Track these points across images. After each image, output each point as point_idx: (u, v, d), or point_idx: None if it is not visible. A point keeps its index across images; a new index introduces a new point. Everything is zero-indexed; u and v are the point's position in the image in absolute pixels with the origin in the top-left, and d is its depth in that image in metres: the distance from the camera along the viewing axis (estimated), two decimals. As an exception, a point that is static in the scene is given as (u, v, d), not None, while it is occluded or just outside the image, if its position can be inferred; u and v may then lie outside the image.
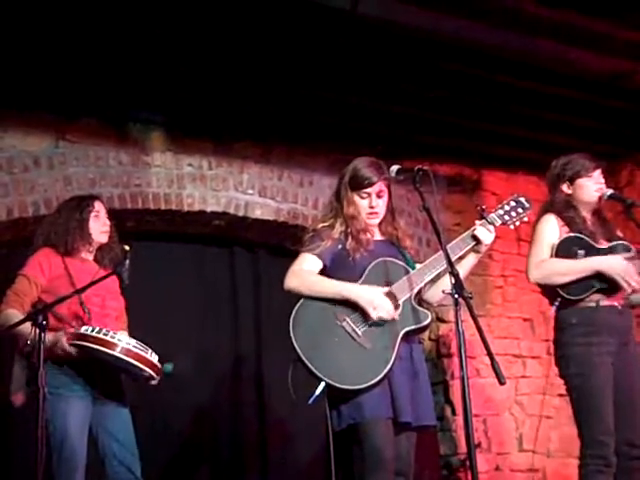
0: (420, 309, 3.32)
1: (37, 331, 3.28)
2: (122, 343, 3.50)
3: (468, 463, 2.89)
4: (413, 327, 3.28)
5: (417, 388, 3.29)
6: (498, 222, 3.43)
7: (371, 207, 3.41)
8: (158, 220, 5.25)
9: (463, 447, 5.46)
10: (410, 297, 3.30)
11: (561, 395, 3.90)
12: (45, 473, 3.24)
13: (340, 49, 4.51)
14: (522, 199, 3.51)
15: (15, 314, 3.57)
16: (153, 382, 3.68)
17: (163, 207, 5.20)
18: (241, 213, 5.42)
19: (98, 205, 3.94)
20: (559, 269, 3.80)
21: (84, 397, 3.64)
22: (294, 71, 4.73)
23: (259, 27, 4.27)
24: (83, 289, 3.56)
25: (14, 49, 4.25)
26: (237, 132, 5.36)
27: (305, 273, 3.34)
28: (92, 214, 3.87)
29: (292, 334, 3.20)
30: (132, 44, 4.34)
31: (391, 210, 3.50)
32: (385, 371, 3.17)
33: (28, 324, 3.43)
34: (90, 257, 3.87)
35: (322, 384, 3.13)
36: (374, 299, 3.22)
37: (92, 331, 3.50)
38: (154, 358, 3.60)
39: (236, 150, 5.43)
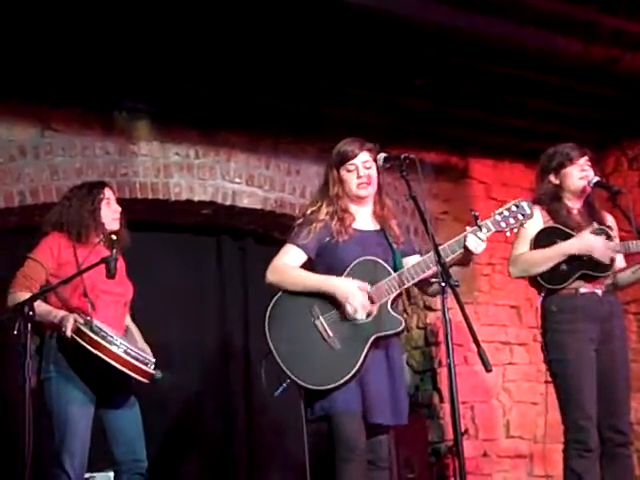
0: (395, 315, 3.27)
1: (24, 322, 3.27)
2: (119, 351, 3.49)
3: (455, 449, 2.90)
4: (384, 333, 3.26)
5: (393, 389, 3.29)
6: (492, 230, 3.23)
7: (359, 177, 3.37)
8: (145, 209, 5.23)
9: (451, 434, 5.48)
10: (387, 302, 3.26)
11: (547, 382, 3.90)
12: (47, 456, 3.27)
13: (327, 37, 4.50)
14: (524, 204, 3.26)
15: (24, 296, 3.52)
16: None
17: (150, 196, 5.20)
18: (228, 202, 5.41)
19: (108, 192, 3.91)
20: (533, 260, 3.83)
21: (89, 381, 3.62)
22: (281, 59, 4.71)
23: (245, 16, 4.26)
24: (72, 277, 3.55)
25: (-1, 38, 4.22)
26: (224, 121, 5.34)
27: (285, 267, 3.34)
28: (103, 202, 3.86)
29: (266, 327, 3.24)
30: (118, 32, 4.32)
31: (379, 190, 3.45)
32: (350, 375, 3.18)
33: (41, 303, 3.51)
34: (100, 244, 3.83)
35: (287, 379, 3.18)
36: (350, 292, 3.21)
37: (94, 333, 3.49)
38: (150, 366, 3.62)
39: (223, 139, 5.42)
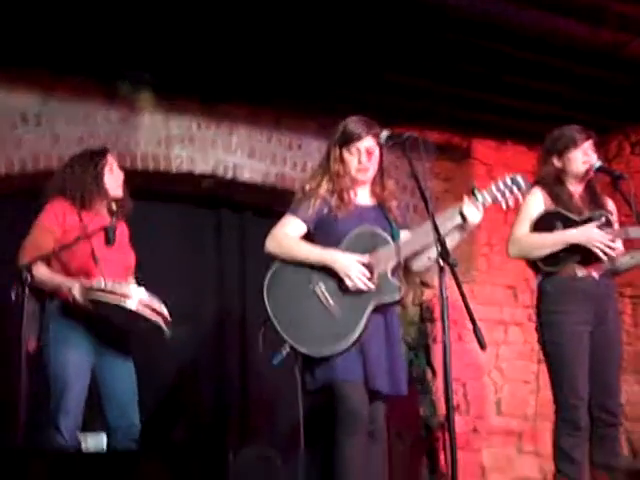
0: (394, 283, 3.30)
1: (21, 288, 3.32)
2: (135, 296, 3.50)
3: (446, 424, 2.94)
4: (384, 301, 3.28)
5: (392, 357, 3.31)
6: (489, 201, 3.31)
7: (360, 162, 3.38)
8: (146, 180, 5.21)
9: (442, 409, 5.55)
10: (387, 270, 3.29)
11: (540, 361, 3.95)
12: (44, 419, 3.32)
13: (329, 10, 4.46)
14: (519, 178, 3.34)
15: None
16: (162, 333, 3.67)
17: (151, 167, 5.20)
18: (229, 175, 5.42)
19: (111, 158, 3.91)
20: (533, 244, 3.86)
21: (86, 345, 3.65)
22: (284, 32, 4.67)
23: None
24: (73, 243, 3.58)
25: (1, 4, 4.19)
26: (226, 93, 5.32)
27: (286, 237, 3.35)
28: (106, 168, 3.85)
29: (265, 294, 3.26)
30: (123, 1, 4.28)
31: (381, 171, 3.46)
32: (349, 342, 3.20)
33: (45, 270, 3.58)
34: (104, 210, 3.84)
35: (287, 346, 3.19)
36: (350, 266, 3.23)
37: (106, 285, 3.49)
38: (164, 309, 3.61)
39: (225, 111, 5.40)
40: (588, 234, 3.77)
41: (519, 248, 3.91)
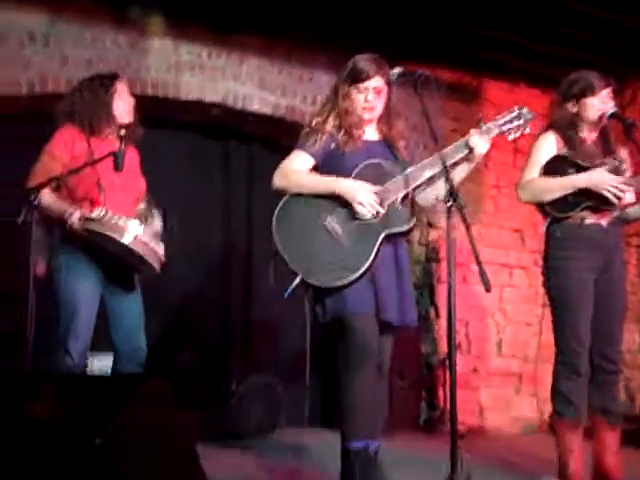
0: (405, 213, 3.32)
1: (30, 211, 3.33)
2: (132, 231, 3.53)
3: (447, 363, 2.97)
4: (394, 230, 3.29)
5: (401, 288, 3.32)
6: (495, 131, 3.34)
7: (367, 101, 3.37)
8: (155, 107, 5.12)
9: (444, 348, 5.62)
10: (397, 199, 3.31)
11: (544, 305, 3.98)
12: (53, 342, 3.36)
13: None
14: (525, 110, 3.40)
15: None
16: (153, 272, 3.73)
17: (160, 93, 5.17)
18: (239, 105, 5.38)
19: (121, 84, 3.87)
20: (543, 187, 3.82)
21: (93, 275, 3.69)
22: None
23: None
24: (80, 168, 3.58)
25: None
26: (238, 22, 5.24)
27: (293, 172, 3.35)
28: (116, 93, 3.81)
29: (274, 228, 3.25)
30: None
31: (389, 110, 3.45)
32: (360, 272, 3.18)
33: (50, 196, 3.60)
34: (114, 136, 3.80)
35: (297, 278, 3.18)
36: (359, 191, 3.24)
37: (104, 216, 3.52)
38: (160, 249, 3.65)
39: (236, 41, 5.35)
40: (598, 177, 3.73)
41: (529, 191, 3.88)
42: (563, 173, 3.81)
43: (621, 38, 5.52)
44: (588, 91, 3.85)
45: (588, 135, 3.91)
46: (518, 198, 3.94)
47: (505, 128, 3.37)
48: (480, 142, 3.31)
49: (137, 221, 3.62)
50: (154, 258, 3.64)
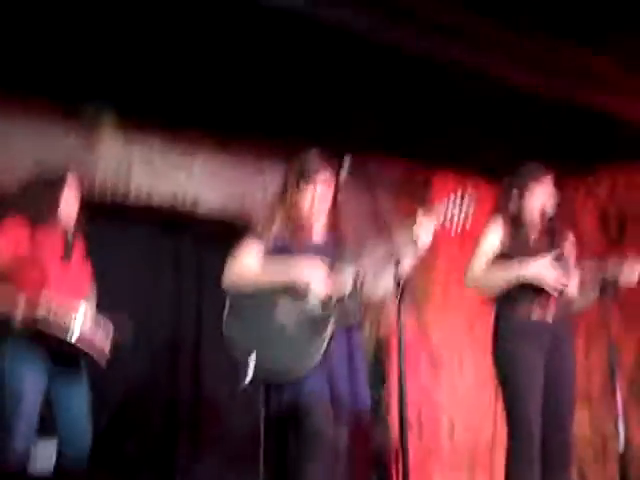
0: (354, 304, 3.34)
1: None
2: (76, 328, 3.54)
3: (400, 447, 2.97)
4: (345, 323, 3.32)
5: (354, 372, 3.32)
6: (440, 217, 3.33)
7: (315, 197, 3.41)
8: (104, 204, 5.16)
9: (395, 432, 5.55)
10: (345, 292, 3.32)
11: (496, 389, 4.02)
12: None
13: (294, 48, 4.48)
14: (466, 195, 3.37)
15: None
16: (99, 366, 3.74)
17: (110, 192, 5.16)
18: (190, 202, 5.39)
19: (69, 180, 3.91)
20: (486, 280, 3.89)
21: (40, 364, 3.66)
22: (246, 60, 4.66)
23: (211, 13, 4.18)
24: (26, 259, 3.62)
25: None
26: (188, 118, 5.28)
27: (244, 266, 3.37)
28: (63, 190, 3.86)
29: (225, 322, 3.29)
30: (84, 25, 4.26)
31: (337, 205, 3.50)
32: (315, 362, 3.19)
33: None
34: (59, 230, 3.84)
35: (250, 371, 3.17)
36: (313, 274, 3.26)
37: (47, 314, 3.52)
38: (106, 344, 3.67)
39: (187, 137, 5.37)
40: (540, 270, 3.78)
41: (473, 282, 3.95)
42: (507, 264, 3.85)
43: (559, 135, 5.64)
44: (531, 182, 3.95)
45: (533, 226, 3.98)
46: (465, 284, 3.98)
47: (449, 213, 3.33)
48: (424, 229, 3.28)
49: (82, 316, 3.61)
50: (100, 354, 3.66)
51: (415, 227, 3.28)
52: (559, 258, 3.85)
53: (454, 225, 3.33)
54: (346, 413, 3.30)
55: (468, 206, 3.31)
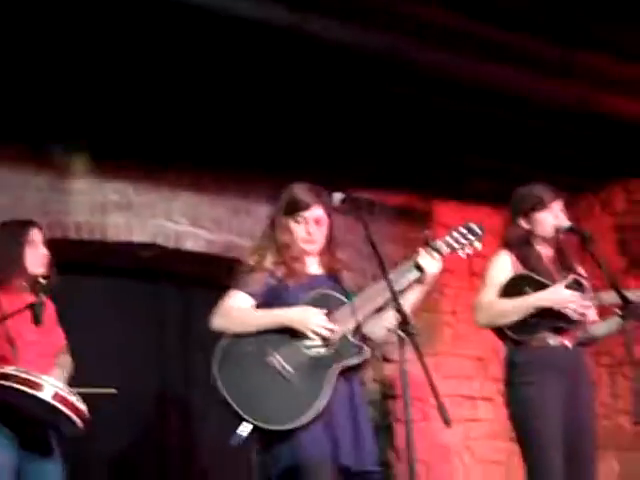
0: (357, 344, 3.16)
1: None
2: (48, 385, 3.36)
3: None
4: (347, 363, 3.12)
5: (358, 431, 3.11)
6: (445, 249, 3.23)
7: (307, 233, 3.26)
8: (79, 251, 4.97)
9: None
10: (347, 331, 3.15)
11: (512, 439, 3.88)
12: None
13: (281, 69, 4.40)
14: (473, 225, 3.30)
15: None
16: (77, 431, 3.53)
17: (85, 237, 4.97)
18: (171, 244, 5.20)
19: (34, 233, 3.73)
20: (501, 310, 3.76)
21: (10, 441, 3.48)
22: (227, 94, 4.56)
23: (188, 49, 4.16)
24: None
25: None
26: (166, 157, 5.11)
27: (234, 310, 3.20)
28: (28, 244, 3.68)
29: (215, 372, 3.07)
30: (54, 65, 4.16)
31: (331, 241, 3.36)
32: (316, 410, 3.00)
33: None
34: (25, 289, 3.68)
35: (245, 426, 2.98)
36: (309, 317, 3.10)
37: (17, 371, 3.36)
38: (81, 405, 3.47)
39: (165, 176, 5.20)
40: (559, 295, 3.68)
41: (486, 315, 3.80)
42: (523, 293, 3.73)
43: (574, 151, 5.59)
44: (539, 205, 3.84)
45: (544, 251, 3.87)
46: (475, 322, 3.85)
47: (455, 245, 3.26)
48: (430, 262, 3.19)
49: (54, 376, 3.46)
50: (76, 414, 3.43)
51: (420, 259, 3.19)
52: (578, 285, 3.74)
53: (461, 254, 3.28)
54: (351, 475, 3.07)
55: (475, 237, 3.26)
